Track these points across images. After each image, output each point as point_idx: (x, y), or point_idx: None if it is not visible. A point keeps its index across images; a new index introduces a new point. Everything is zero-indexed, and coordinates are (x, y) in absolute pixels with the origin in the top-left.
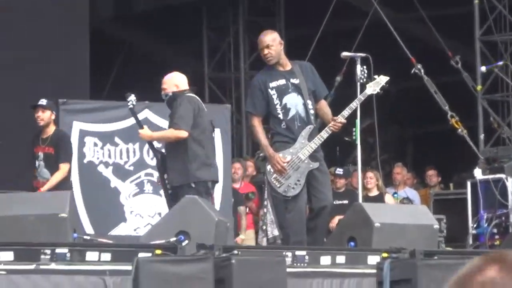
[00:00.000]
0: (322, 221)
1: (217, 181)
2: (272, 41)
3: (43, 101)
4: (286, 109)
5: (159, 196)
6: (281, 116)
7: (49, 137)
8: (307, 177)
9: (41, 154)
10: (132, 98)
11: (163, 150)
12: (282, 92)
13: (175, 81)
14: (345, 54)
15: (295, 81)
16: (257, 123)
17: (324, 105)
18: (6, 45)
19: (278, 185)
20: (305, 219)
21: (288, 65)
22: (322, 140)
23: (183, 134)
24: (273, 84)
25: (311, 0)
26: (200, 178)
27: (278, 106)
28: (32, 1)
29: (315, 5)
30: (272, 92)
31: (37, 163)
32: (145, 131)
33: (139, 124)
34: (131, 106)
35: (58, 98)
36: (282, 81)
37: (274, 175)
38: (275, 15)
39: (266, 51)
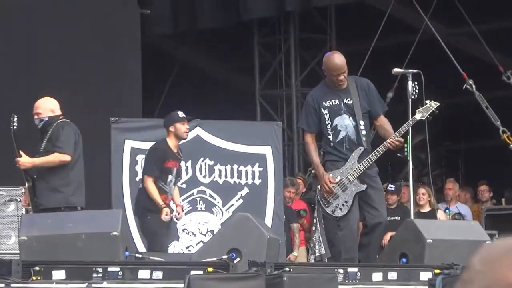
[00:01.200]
0: (376, 238)
1: (83, 207)
2: (345, 67)
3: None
4: (336, 131)
5: (211, 214)
6: (330, 137)
7: (178, 152)
8: (360, 194)
9: (174, 169)
10: (15, 119)
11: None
12: (334, 112)
13: (51, 106)
14: (396, 70)
15: (348, 101)
16: (310, 140)
17: (384, 122)
18: (61, 61)
19: (326, 205)
20: (356, 237)
21: (344, 83)
22: (378, 155)
23: (67, 158)
24: (326, 103)
25: (362, 16)
26: (72, 204)
27: (328, 126)
28: (84, 16)
29: (366, 21)
30: (325, 112)
31: (169, 177)
32: (25, 159)
33: (18, 150)
34: (13, 128)
35: (110, 117)
36: (335, 101)
37: (323, 195)
38: (327, 32)
39: (342, 77)
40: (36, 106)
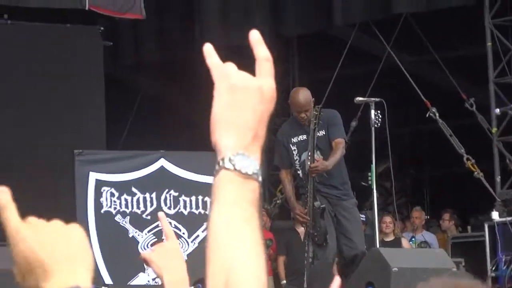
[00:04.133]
0: (353, 269)
1: None
2: (308, 104)
3: None
4: (303, 165)
5: None
6: (300, 172)
7: None
8: (337, 226)
9: None
10: None
11: None
12: (302, 148)
13: None
14: (359, 99)
15: (317, 134)
16: (283, 176)
17: (333, 147)
18: (23, 91)
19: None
20: (331, 268)
21: (307, 120)
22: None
23: None
24: (294, 139)
25: (325, 45)
26: None
27: (297, 162)
28: (46, 48)
29: (328, 49)
30: (293, 148)
31: None
32: None
33: None
34: None
35: (73, 149)
36: (303, 137)
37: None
38: (289, 60)
39: (303, 114)
40: None
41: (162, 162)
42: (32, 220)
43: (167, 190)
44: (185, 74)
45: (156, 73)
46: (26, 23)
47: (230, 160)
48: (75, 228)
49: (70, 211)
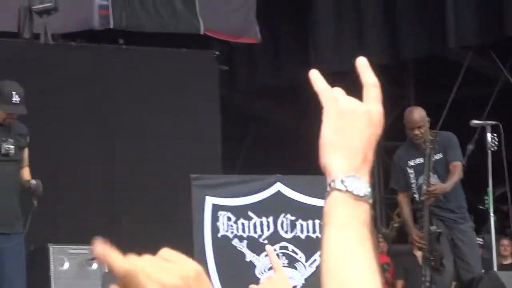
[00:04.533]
0: None
1: None
2: (422, 121)
3: None
4: (420, 189)
5: (294, 269)
6: (416, 196)
7: None
8: (454, 249)
9: None
10: None
11: None
12: (419, 171)
13: None
14: (475, 122)
15: (432, 158)
16: (400, 198)
17: (450, 171)
18: (140, 118)
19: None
20: None
21: (421, 138)
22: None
23: None
24: (411, 162)
25: (440, 68)
26: None
27: (414, 186)
28: (162, 74)
29: (444, 72)
30: (410, 171)
31: None
32: None
33: None
34: None
35: (190, 173)
36: (420, 160)
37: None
38: (404, 83)
39: (417, 131)
40: None
41: (279, 186)
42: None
43: (283, 214)
44: (300, 99)
45: (271, 96)
46: (141, 47)
47: (342, 181)
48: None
49: (187, 236)
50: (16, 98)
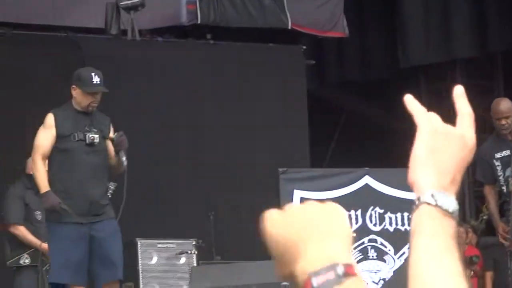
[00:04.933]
0: None
1: None
2: (509, 112)
3: None
4: (507, 182)
5: (383, 262)
6: (504, 188)
7: None
8: None
9: None
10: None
11: None
12: (506, 163)
13: None
14: None
15: None
16: (487, 192)
17: None
18: (228, 112)
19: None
20: None
21: (508, 129)
22: None
23: None
24: (497, 155)
25: None
26: None
27: (501, 178)
28: (250, 69)
29: None
30: (497, 163)
31: None
32: None
33: None
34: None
35: (278, 167)
36: (506, 152)
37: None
38: (493, 76)
39: (503, 121)
40: None
41: (367, 180)
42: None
43: (372, 207)
44: (388, 93)
45: (359, 91)
46: (229, 42)
47: (432, 195)
48: (329, 205)
49: None
50: (96, 79)
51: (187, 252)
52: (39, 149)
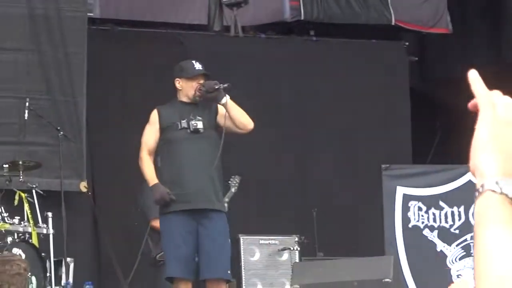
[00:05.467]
0: None
1: None
2: None
3: None
4: None
5: None
6: None
7: None
8: None
9: None
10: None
11: None
12: None
13: None
14: None
15: None
16: None
17: None
18: (330, 109)
19: None
20: None
21: None
22: None
23: None
24: None
25: None
26: None
27: None
28: (351, 66)
29: None
30: None
31: None
32: None
33: None
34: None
35: (381, 163)
36: None
37: None
38: None
39: None
40: None
41: (470, 176)
42: None
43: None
44: (491, 89)
45: (462, 86)
46: (332, 39)
47: (496, 183)
48: None
49: (378, 226)
50: (197, 65)
51: (289, 249)
52: (145, 145)
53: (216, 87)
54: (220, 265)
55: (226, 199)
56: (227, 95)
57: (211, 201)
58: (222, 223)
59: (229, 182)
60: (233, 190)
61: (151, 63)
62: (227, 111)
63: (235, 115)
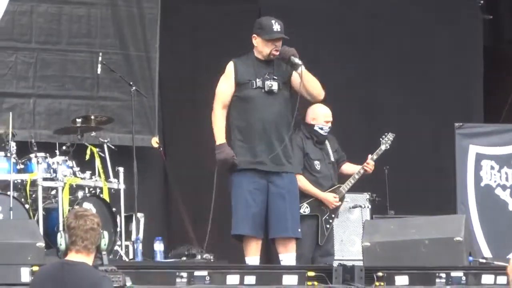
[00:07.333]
0: None
1: None
2: None
3: None
4: None
5: None
6: None
7: None
8: None
9: None
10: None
11: None
12: None
13: None
14: None
15: None
16: None
17: None
18: (400, 66)
19: None
20: None
21: None
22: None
23: None
24: None
25: None
26: None
27: None
28: (426, 24)
29: None
30: None
31: None
32: None
33: None
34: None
35: (454, 122)
36: None
37: None
38: None
39: None
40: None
41: None
42: None
43: None
44: None
45: None
46: None
47: None
48: None
49: (450, 185)
50: (276, 27)
51: (360, 206)
52: (219, 97)
53: (291, 59)
54: (290, 224)
55: (374, 156)
56: (302, 66)
57: (281, 164)
58: (291, 182)
59: (381, 139)
60: (383, 147)
61: (224, 19)
62: (301, 80)
63: (308, 84)
